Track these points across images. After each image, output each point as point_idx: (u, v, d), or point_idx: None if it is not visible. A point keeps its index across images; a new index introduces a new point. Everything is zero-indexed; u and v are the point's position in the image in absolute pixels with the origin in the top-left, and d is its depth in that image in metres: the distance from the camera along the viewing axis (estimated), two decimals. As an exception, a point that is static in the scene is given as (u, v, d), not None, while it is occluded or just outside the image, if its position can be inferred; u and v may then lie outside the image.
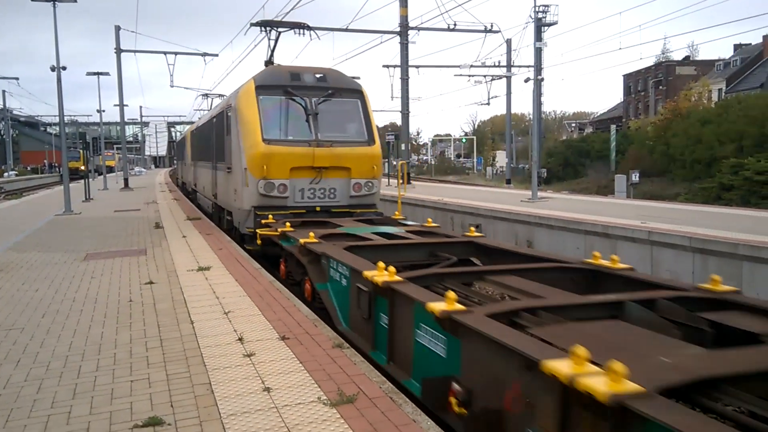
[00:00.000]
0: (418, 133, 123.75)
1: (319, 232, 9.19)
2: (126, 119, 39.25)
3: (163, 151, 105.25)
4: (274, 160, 11.94)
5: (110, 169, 60.87)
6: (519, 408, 3.69)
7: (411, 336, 5.14)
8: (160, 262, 10.50)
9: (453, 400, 4.20)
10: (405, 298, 5.29)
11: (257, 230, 10.99)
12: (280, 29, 15.26)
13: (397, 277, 5.73)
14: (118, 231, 15.09)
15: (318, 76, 12.98)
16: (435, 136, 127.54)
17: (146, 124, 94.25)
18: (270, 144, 11.99)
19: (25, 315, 7.18)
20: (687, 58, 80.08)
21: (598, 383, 3.05)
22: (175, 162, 46.48)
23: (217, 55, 34.32)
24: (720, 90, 65.63)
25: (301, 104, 12.48)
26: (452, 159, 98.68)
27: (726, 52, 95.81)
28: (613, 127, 54.98)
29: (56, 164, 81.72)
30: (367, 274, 5.96)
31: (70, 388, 4.85)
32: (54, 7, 20.69)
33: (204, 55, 33.58)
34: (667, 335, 4.39)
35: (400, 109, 34.07)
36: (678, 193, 35.42)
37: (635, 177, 32.63)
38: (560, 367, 3.29)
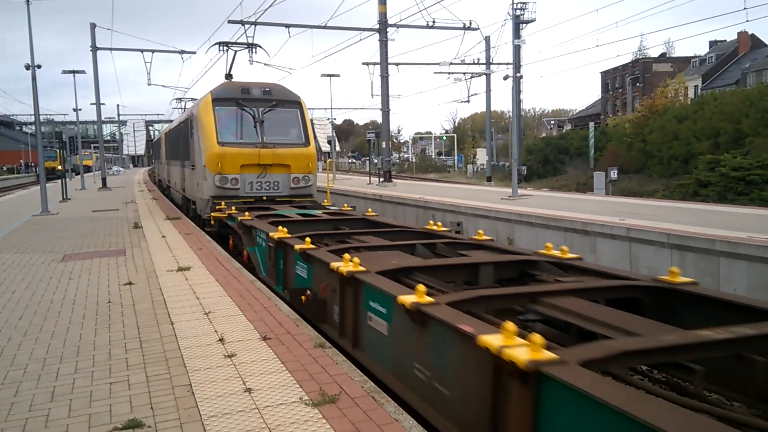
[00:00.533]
0: (398, 131, 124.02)
1: (255, 213, 12.25)
2: (103, 118, 38.78)
3: (141, 150, 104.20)
4: (227, 159, 14.52)
5: (88, 169, 60.20)
6: (328, 293, 6.76)
7: (293, 269, 8.23)
8: (139, 263, 10.41)
9: (303, 297, 7.10)
10: (289, 246, 8.30)
11: (211, 213, 13.85)
12: (236, 48, 18.66)
13: (287, 235, 8.84)
14: (97, 231, 14.93)
15: (264, 90, 15.54)
16: (416, 133, 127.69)
17: (124, 122, 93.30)
18: (224, 146, 14.58)
19: (1, 317, 7.08)
20: (663, 55, 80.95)
21: (342, 267, 6.18)
22: (152, 161, 47.96)
23: (194, 53, 34.14)
24: (696, 86, 66.48)
25: (250, 113, 15.12)
26: (433, 157, 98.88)
27: (702, 48, 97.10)
28: (591, 124, 55.45)
29: (32, 164, 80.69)
30: (272, 234, 8.92)
31: (48, 391, 4.79)
32: (28, 4, 20.40)
33: (181, 52, 33.26)
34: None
35: (380, 107, 34.04)
36: (656, 189, 35.84)
37: (614, 174, 32.96)
38: (338, 265, 6.26)
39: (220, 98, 15.11)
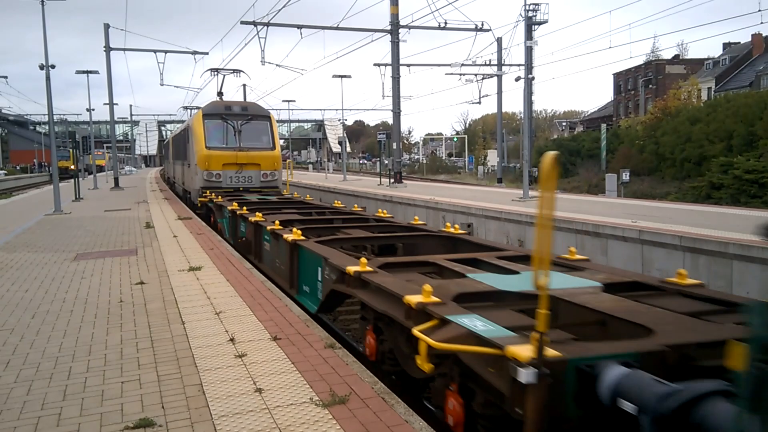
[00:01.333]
0: (409, 132, 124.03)
1: (227, 198, 17.01)
2: (116, 118, 39.04)
3: (153, 150, 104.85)
4: (212, 159, 19.23)
5: (100, 169, 60.58)
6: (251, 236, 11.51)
7: (240, 227, 12.92)
8: (150, 262, 10.46)
9: (240, 240, 12.37)
10: (242, 217, 12.46)
11: (199, 199, 19.08)
12: (224, 73, 24.02)
13: (243, 209, 13.00)
14: (109, 231, 15.02)
15: (243, 107, 20.65)
16: (426, 135, 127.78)
17: (136, 123, 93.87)
18: (210, 149, 19.29)
19: (14, 316, 7.14)
20: (676, 56, 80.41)
21: (255, 219, 11.28)
22: (163, 161, 52.42)
23: (207, 54, 34.27)
24: (709, 89, 66.02)
25: (231, 125, 19.75)
26: (444, 158, 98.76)
27: (715, 50, 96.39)
28: (603, 125, 55.13)
29: (46, 163, 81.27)
30: (230, 208, 14.02)
31: (60, 390, 4.82)
32: (42, 4, 20.57)
33: (194, 53, 33.41)
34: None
35: (391, 108, 34.03)
36: (668, 191, 35.59)
37: (625, 176, 32.73)
38: (255, 219, 11.20)
39: (208, 113, 20.02)
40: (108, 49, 32.55)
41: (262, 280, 8.91)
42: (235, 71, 24.52)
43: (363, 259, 6.21)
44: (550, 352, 3.36)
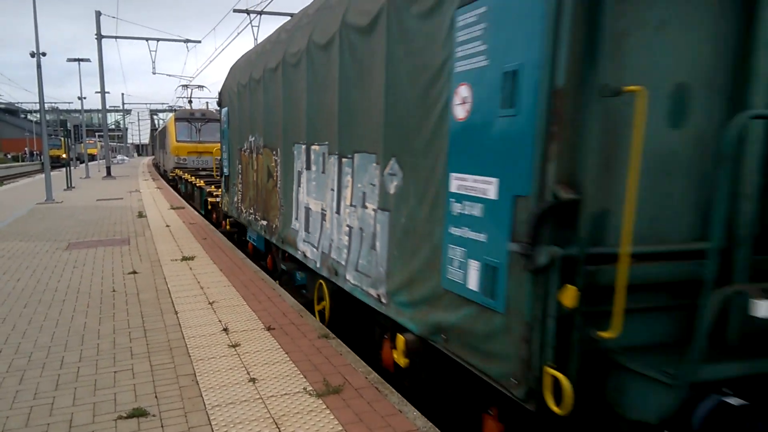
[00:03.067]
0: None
1: (189, 173, 23.62)
2: (108, 106, 38.86)
3: (145, 139, 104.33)
4: (180, 149, 27.06)
5: (92, 157, 60.29)
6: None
7: (192, 191, 18.67)
8: (143, 252, 10.42)
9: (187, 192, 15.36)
10: (189, 182, 20.51)
11: (170, 174, 28.54)
12: (192, 87, 36.35)
13: (192, 178, 20.50)
14: (101, 220, 14.95)
15: (202, 113, 28.29)
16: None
17: (128, 111, 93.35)
18: (179, 142, 27.13)
19: (6, 305, 7.10)
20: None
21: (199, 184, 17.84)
22: (154, 150, 56.52)
23: (199, 42, 33.91)
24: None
25: (194, 126, 27.42)
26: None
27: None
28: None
29: (37, 152, 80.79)
30: (183, 177, 23.72)
31: (52, 379, 4.81)
32: (34, -8, 20.32)
33: (187, 41, 33.16)
34: None
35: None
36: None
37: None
38: (199, 184, 16.88)
39: (178, 117, 28.00)
40: (99, 36, 32.28)
41: (255, 270, 8.89)
42: (200, 86, 36.81)
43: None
44: None
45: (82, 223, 14.54)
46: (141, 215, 15.62)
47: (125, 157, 70.14)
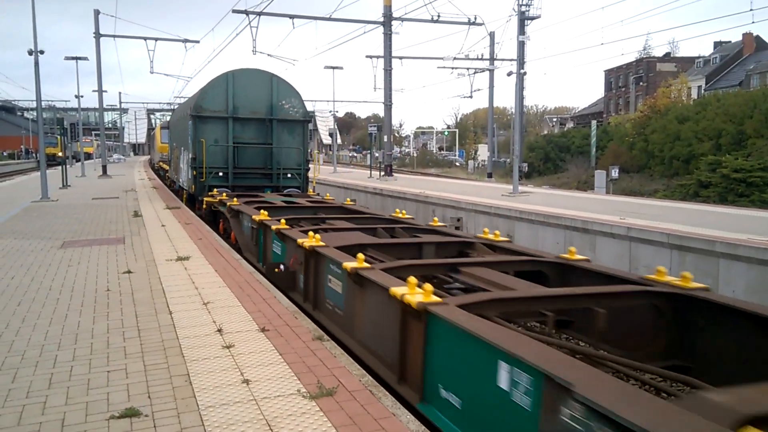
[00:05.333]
0: (400, 125, 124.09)
1: (166, 164, 33.20)
2: (105, 105, 38.82)
3: (142, 138, 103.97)
4: (163, 148, 35.73)
5: (88, 156, 60.08)
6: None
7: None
8: (138, 251, 10.40)
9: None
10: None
11: (156, 165, 43.90)
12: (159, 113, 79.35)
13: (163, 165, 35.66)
14: (96, 219, 14.92)
15: None
16: (417, 128, 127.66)
17: (125, 110, 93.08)
18: (163, 143, 37.13)
19: (0, 302, 7.08)
20: (668, 54, 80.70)
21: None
22: (150, 150, 64.65)
23: (198, 42, 33.93)
24: (699, 87, 66.32)
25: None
26: (434, 152, 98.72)
27: (706, 49, 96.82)
28: (593, 122, 55.33)
29: (33, 150, 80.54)
30: (159, 164, 40.72)
31: (45, 378, 4.79)
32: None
33: (185, 41, 33.16)
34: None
35: (382, 101, 33.95)
36: (656, 189, 35.81)
37: (614, 173, 32.91)
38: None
39: (162, 126, 38.39)
40: (97, 35, 32.26)
41: (250, 271, 8.88)
42: (166, 109, 49.39)
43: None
44: None
45: (78, 221, 14.51)
46: (136, 214, 15.59)
47: (121, 156, 70.05)
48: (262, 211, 10.42)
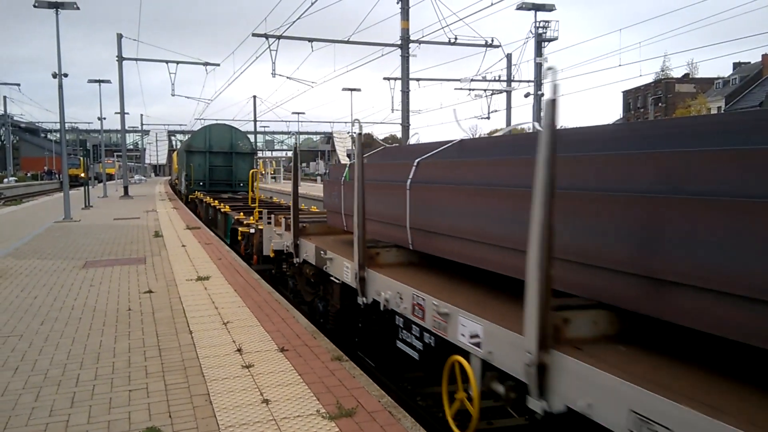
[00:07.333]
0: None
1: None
2: (127, 127, 39.38)
3: (163, 159, 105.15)
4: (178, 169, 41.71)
5: (110, 177, 60.85)
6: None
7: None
8: (159, 271, 10.50)
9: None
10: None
11: (173, 181, 49.54)
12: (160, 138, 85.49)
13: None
14: (118, 239, 15.09)
15: None
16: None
17: (147, 132, 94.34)
18: (178, 165, 38.19)
19: (23, 322, 7.18)
20: (686, 75, 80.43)
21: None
22: (170, 171, 69.74)
23: (218, 65, 34.46)
24: (719, 108, 65.94)
25: None
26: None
27: (725, 70, 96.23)
28: (612, 143, 54.98)
29: (56, 171, 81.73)
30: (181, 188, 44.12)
31: (68, 397, 4.84)
32: (57, 14, 20.81)
33: (206, 64, 33.68)
34: None
35: (400, 122, 34.10)
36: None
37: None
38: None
39: (177, 150, 45.02)
40: (120, 58, 32.86)
41: (269, 290, 8.93)
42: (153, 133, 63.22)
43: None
44: None
45: (100, 241, 14.69)
46: (157, 234, 15.75)
47: (142, 177, 70.88)
48: (213, 199, 19.84)
